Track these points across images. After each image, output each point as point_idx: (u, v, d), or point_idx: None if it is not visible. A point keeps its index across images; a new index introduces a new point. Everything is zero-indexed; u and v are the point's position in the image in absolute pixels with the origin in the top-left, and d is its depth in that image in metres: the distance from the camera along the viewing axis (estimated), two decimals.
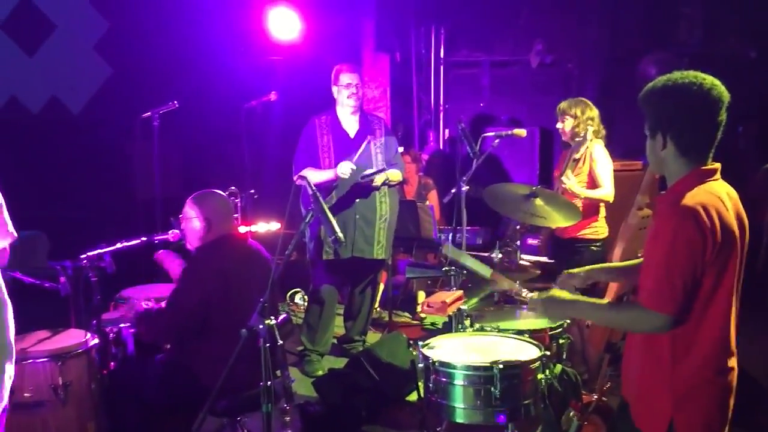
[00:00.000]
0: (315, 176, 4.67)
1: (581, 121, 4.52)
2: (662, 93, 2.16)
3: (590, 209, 4.53)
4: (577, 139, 4.46)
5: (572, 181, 4.37)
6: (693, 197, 2.07)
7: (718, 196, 2.11)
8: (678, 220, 2.04)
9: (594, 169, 4.48)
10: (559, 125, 4.65)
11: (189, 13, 6.98)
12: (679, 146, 2.14)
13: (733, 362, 2.19)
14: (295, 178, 4.86)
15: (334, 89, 5.01)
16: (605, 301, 2.29)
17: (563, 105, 4.64)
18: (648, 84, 2.22)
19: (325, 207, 2.94)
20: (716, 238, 2.03)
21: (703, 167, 2.15)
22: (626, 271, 2.62)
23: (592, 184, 4.51)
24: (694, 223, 2.02)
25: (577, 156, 4.41)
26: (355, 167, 4.71)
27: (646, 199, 3.75)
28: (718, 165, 2.18)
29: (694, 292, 2.06)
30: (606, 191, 4.44)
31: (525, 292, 2.72)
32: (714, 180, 2.15)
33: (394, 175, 4.98)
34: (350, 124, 5.01)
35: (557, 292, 2.41)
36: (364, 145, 4.81)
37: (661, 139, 2.16)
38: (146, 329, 3.34)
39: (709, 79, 2.12)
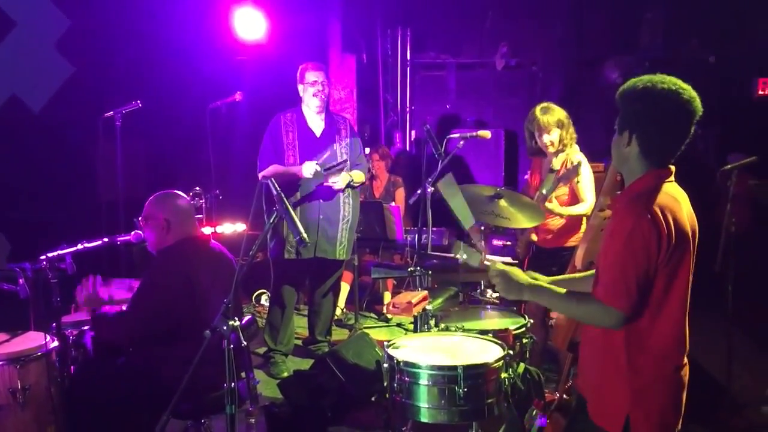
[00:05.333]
0: (280, 172, 4.72)
1: (567, 128, 4.27)
2: (639, 94, 2.16)
3: (574, 222, 4.38)
4: (557, 150, 4.25)
5: (554, 204, 4.16)
6: (651, 198, 2.11)
7: (674, 197, 2.16)
8: (635, 219, 2.08)
9: (578, 183, 4.24)
10: (546, 138, 4.29)
11: (153, 12, 6.90)
12: (643, 148, 2.18)
13: (685, 359, 2.24)
14: (260, 174, 4.89)
15: (300, 87, 5.02)
16: (564, 290, 2.30)
17: (545, 117, 4.26)
18: (630, 81, 2.22)
19: (290, 208, 2.93)
20: (671, 238, 2.08)
21: (661, 169, 2.20)
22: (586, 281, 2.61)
23: (573, 197, 4.33)
24: (651, 223, 2.06)
25: (556, 168, 4.10)
26: (320, 168, 4.72)
27: (608, 201, 3.75)
28: (673, 168, 2.23)
29: (647, 290, 2.11)
30: (586, 206, 4.22)
31: (491, 260, 2.55)
32: (669, 182, 2.20)
33: (358, 176, 5.02)
34: (316, 123, 5.02)
35: (518, 272, 2.39)
36: (328, 152, 4.86)
37: (627, 137, 2.20)
38: (105, 331, 3.29)
39: (689, 92, 2.13)
